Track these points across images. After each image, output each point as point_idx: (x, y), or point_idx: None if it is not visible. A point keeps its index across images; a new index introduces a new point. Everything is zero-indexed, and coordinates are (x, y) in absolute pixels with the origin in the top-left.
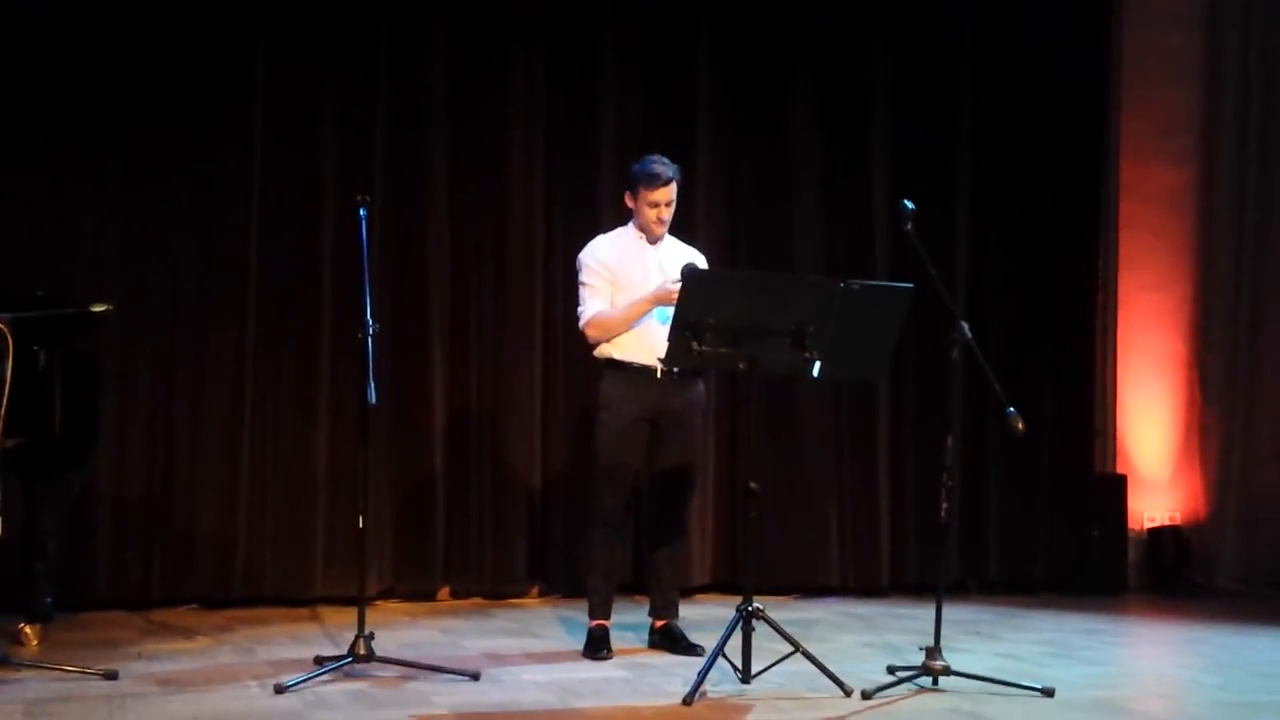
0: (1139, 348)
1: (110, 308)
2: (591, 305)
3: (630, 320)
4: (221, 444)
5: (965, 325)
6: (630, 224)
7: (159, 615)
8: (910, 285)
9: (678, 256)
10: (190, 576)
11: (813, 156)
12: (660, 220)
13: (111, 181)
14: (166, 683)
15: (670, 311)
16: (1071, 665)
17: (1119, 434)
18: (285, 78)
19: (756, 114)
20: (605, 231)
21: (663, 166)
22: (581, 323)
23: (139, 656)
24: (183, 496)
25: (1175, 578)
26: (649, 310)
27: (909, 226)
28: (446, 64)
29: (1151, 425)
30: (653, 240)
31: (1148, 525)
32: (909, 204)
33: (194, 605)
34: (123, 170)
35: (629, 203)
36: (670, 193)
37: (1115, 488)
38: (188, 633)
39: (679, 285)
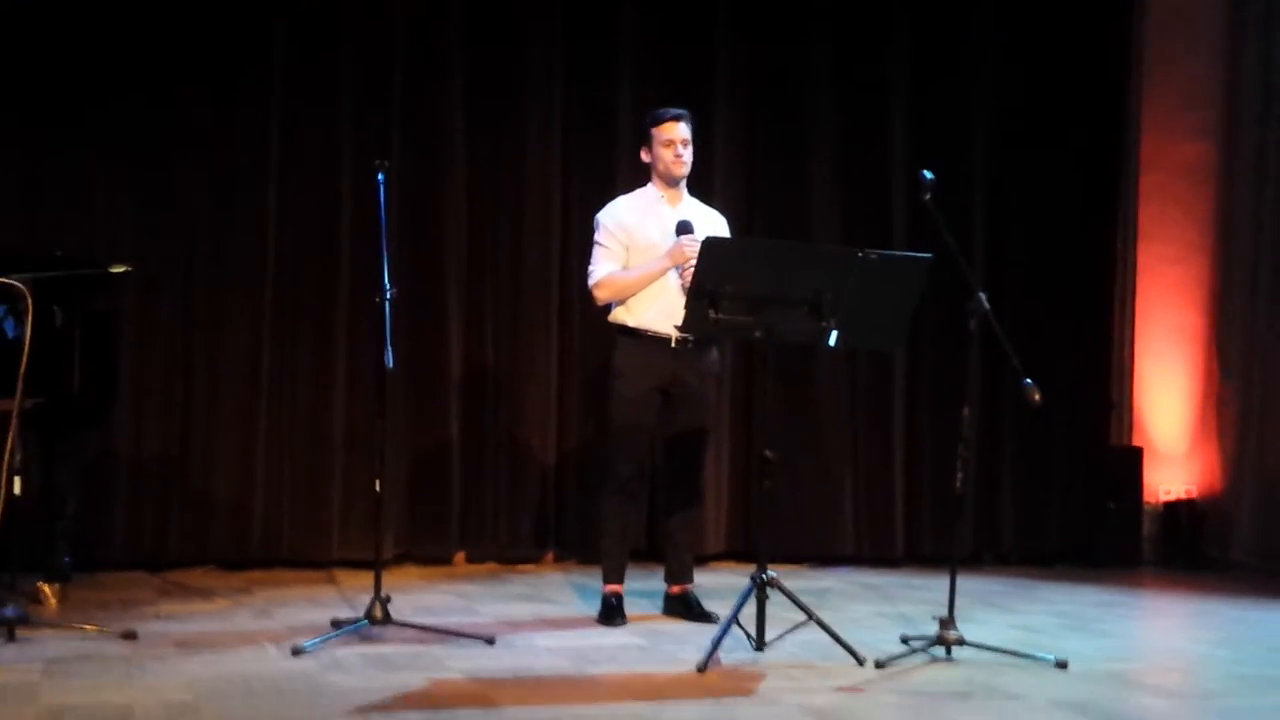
0: (1157, 321)
1: (129, 268)
2: (603, 266)
3: (645, 283)
4: (239, 406)
5: (983, 296)
6: (649, 184)
7: (176, 576)
8: (928, 255)
9: (697, 217)
10: (207, 538)
11: (831, 123)
12: (679, 158)
13: (131, 147)
14: (184, 644)
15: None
16: (1085, 638)
17: (1136, 407)
18: (303, 42)
19: (774, 79)
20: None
21: (673, 108)
22: (591, 281)
23: (157, 617)
24: (200, 458)
25: (1190, 552)
26: (664, 272)
27: (928, 196)
28: (464, 28)
29: (1169, 398)
30: (673, 183)
31: (1163, 499)
32: (928, 174)
33: (211, 566)
34: (142, 136)
35: (645, 157)
36: (684, 130)
37: (1131, 460)
38: (205, 594)
39: (693, 244)
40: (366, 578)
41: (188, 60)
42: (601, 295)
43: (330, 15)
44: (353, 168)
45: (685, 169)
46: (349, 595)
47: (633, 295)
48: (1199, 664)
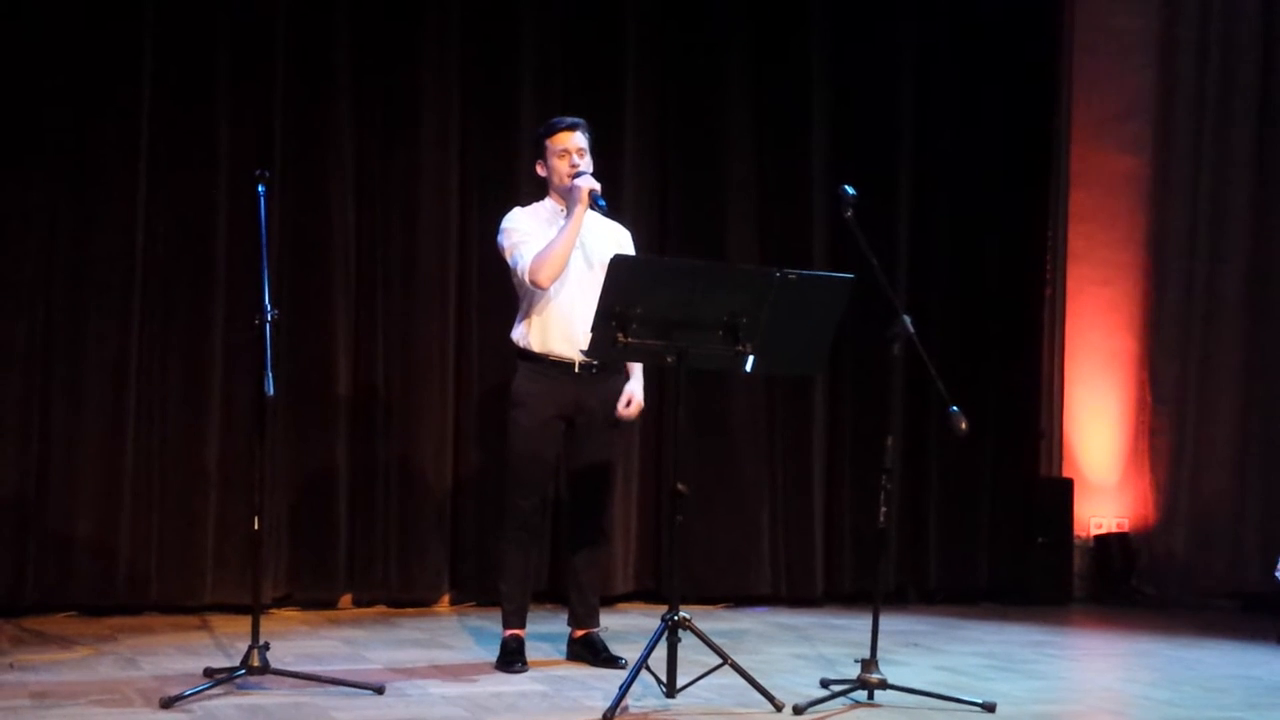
0: (1087, 345)
1: None
2: (527, 252)
3: (572, 239)
4: (103, 438)
5: (908, 319)
6: (546, 198)
7: (33, 623)
8: (850, 276)
9: (600, 231)
10: (69, 581)
11: (748, 138)
12: (575, 168)
13: None
14: (41, 695)
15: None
16: (1014, 679)
17: (1065, 436)
18: (177, 39)
19: (688, 89)
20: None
21: (564, 116)
22: (524, 272)
23: (10, 667)
24: (60, 495)
25: (1122, 587)
26: (580, 220)
27: (850, 213)
28: (354, 26)
29: (1099, 427)
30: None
31: (1094, 532)
32: (850, 189)
33: (72, 612)
34: None
35: (540, 171)
36: (577, 139)
37: (1061, 492)
38: (65, 642)
39: (589, 181)
40: (244, 623)
41: (50, 57)
42: (543, 276)
43: (206, 8)
44: (230, 177)
45: None
46: (224, 643)
47: (565, 257)
48: (1134, 706)
